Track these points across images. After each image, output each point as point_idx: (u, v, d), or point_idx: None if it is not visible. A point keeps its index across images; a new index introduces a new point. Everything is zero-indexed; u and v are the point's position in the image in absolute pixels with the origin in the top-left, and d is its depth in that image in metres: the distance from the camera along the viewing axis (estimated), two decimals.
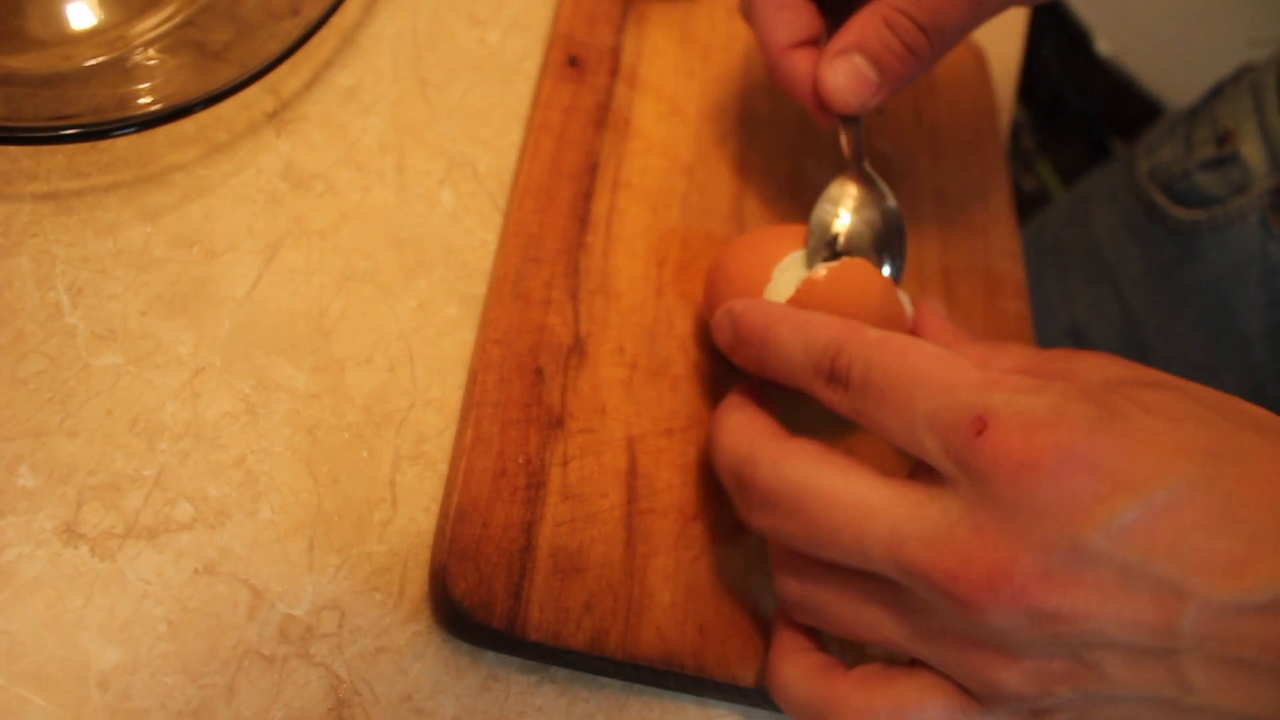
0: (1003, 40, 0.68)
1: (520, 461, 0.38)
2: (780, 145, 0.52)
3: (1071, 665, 0.29)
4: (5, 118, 0.37)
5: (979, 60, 0.63)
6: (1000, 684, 0.30)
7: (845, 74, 0.41)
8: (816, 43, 0.43)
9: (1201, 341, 0.73)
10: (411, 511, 0.38)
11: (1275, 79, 0.71)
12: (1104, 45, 1.21)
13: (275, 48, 0.42)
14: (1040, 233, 0.93)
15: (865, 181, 0.43)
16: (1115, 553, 0.28)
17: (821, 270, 0.39)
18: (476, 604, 0.35)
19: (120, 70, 0.42)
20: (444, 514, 0.37)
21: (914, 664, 0.33)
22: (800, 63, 0.42)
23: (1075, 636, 0.28)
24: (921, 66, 0.41)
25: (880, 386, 0.32)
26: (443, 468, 0.39)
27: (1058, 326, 0.85)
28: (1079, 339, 0.83)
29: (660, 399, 0.42)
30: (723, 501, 0.41)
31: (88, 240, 0.39)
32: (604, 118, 0.48)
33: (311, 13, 0.43)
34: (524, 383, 0.40)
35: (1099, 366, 0.35)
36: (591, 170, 0.46)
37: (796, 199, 0.50)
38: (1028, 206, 1.03)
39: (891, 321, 0.39)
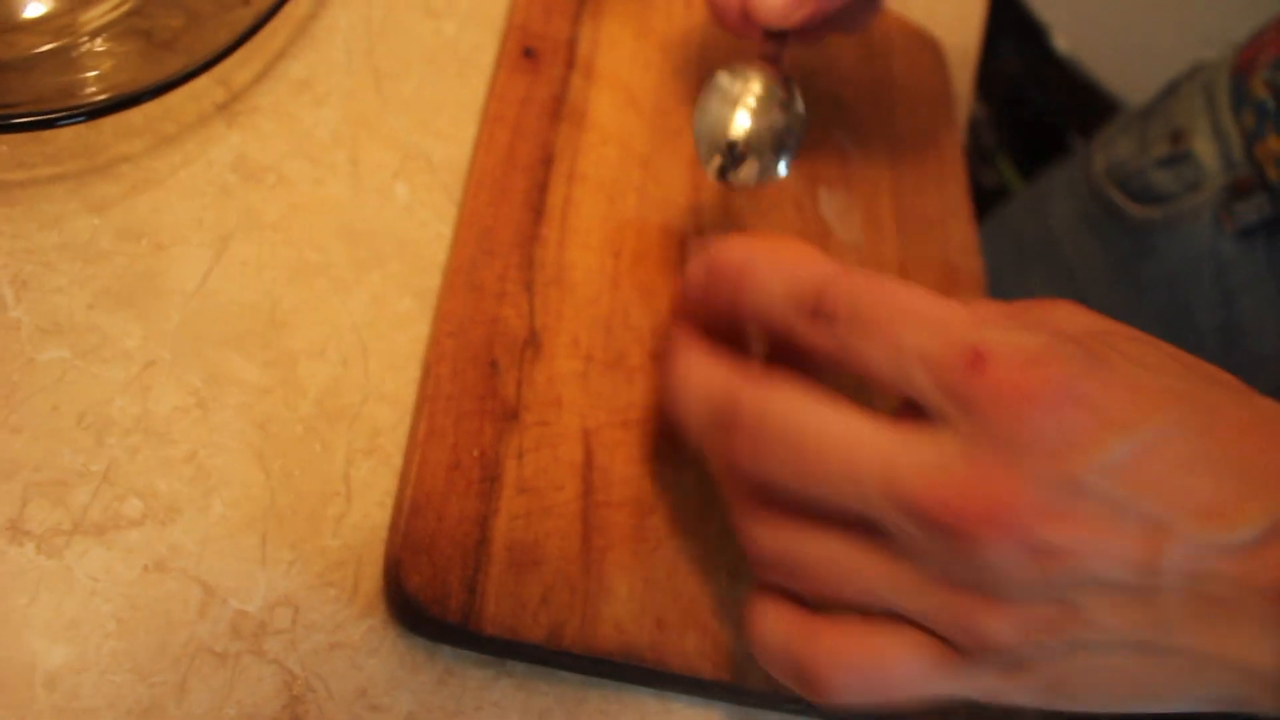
0: (960, 30, 0.68)
1: (475, 455, 0.38)
2: None
3: (1057, 610, 0.29)
4: None
5: (936, 52, 0.64)
6: (986, 633, 0.29)
7: None
8: None
9: (1158, 336, 0.74)
10: (366, 506, 0.38)
11: (1228, 78, 0.71)
12: (1062, 42, 1.22)
13: (226, 37, 0.41)
14: (1000, 228, 0.94)
15: (777, 80, 0.42)
16: (1106, 489, 0.28)
17: None
18: (431, 598, 0.35)
19: (65, 59, 0.41)
20: (398, 508, 0.37)
21: (894, 618, 0.32)
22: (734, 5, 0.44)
23: (1065, 574, 0.28)
24: None
25: (869, 321, 0.31)
26: (397, 461, 0.39)
27: None
28: None
29: (616, 391, 0.42)
30: (681, 493, 0.41)
31: (31, 233, 0.38)
32: (559, 109, 0.48)
33: (263, 2, 0.43)
34: (478, 375, 0.39)
35: (1070, 316, 0.34)
36: (546, 162, 0.46)
37: (752, 190, 0.50)
38: (988, 202, 1.03)
39: None
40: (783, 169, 0.41)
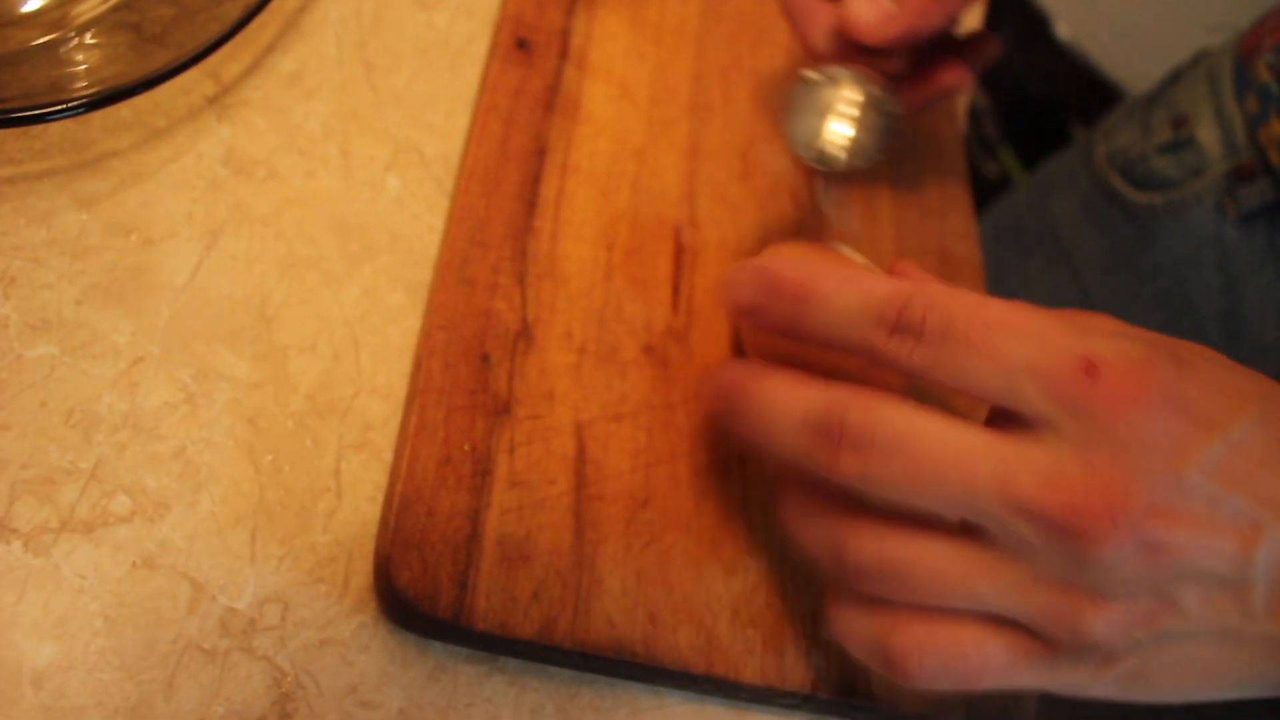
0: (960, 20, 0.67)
1: (466, 449, 0.38)
2: (732, 128, 0.51)
3: (1154, 604, 0.30)
4: None
5: None
6: (1086, 631, 0.30)
7: (867, 5, 0.43)
8: None
9: (1158, 324, 0.73)
10: (357, 501, 0.38)
11: (1230, 64, 0.71)
12: (1063, 30, 1.21)
13: (215, 30, 0.41)
14: (1002, 218, 0.93)
15: (874, 82, 0.43)
16: (1206, 487, 0.29)
17: None
18: (421, 594, 0.35)
19: (54, 53, 0.41)
20: (388, 503, 0.36)
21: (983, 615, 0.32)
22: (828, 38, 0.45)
23: (1169, 569, 0.29)
24: (939, 6, 0.43)
25: (965, 335, 0.31)
26: (388, 456, 0.39)
27: None
28: None
29: (609, 384, 0.41)
30: (674, 487, 0.40)
31: (20, 228, 0.38)
32: (553, 101, 0.47)
33: None
34: (470, 369, 0.39)
35: (1112, 324, 0.35)
36: (540, 154, 0.45)
37: (747, 182, 0.50)
38: (990, 193, 1.03)
39: None
40: (878, 155, 0.42)
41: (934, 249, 0.53)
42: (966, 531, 0.31)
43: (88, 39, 0.41)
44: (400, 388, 0.40)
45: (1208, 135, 0.71)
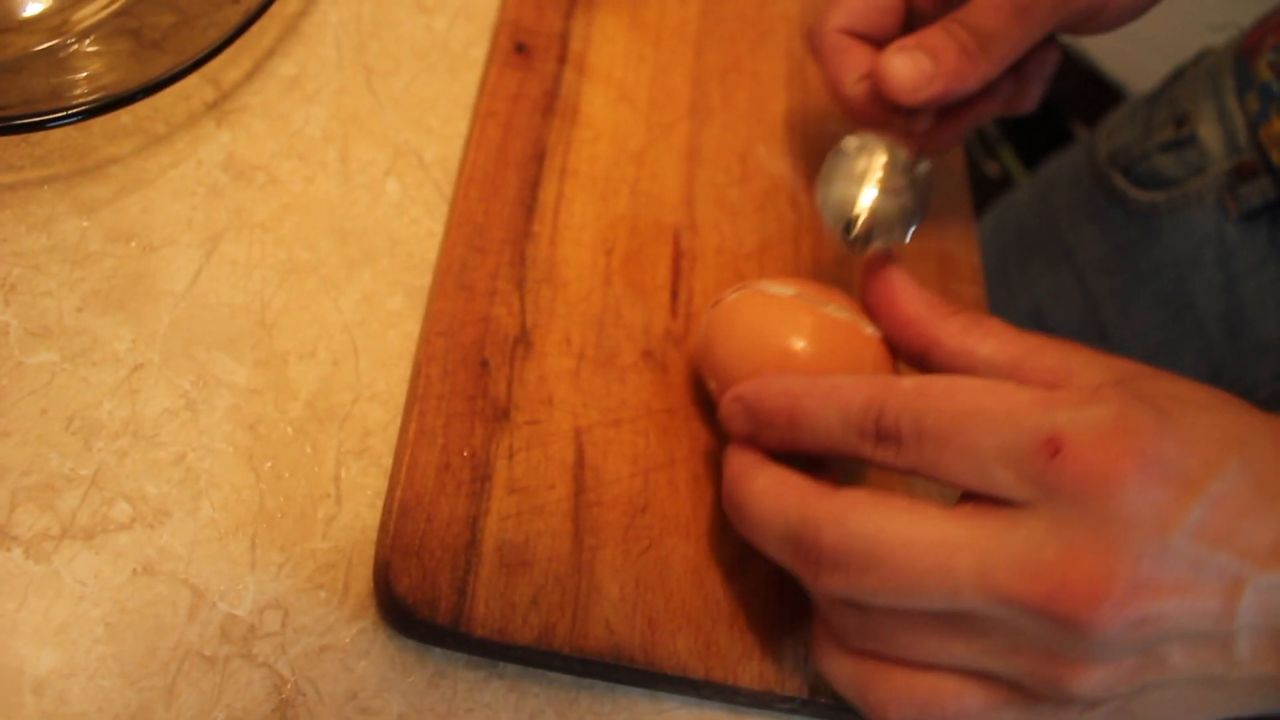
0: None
1: (465, 455, 0.38)
2: (731, 132, 0.51)
3: (1139, 661, 0.30)
4: None
5: None
6: (1070, 691, 0.30)
7: (904, 61, 0.43)
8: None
9: (1160, 323, 0.73)
10: (356, 507, 0.38)
11: (1232, 63, 0.71)
12: None
13: (215, 35, 0.41)
14: (1003, 217, 0.93)
15: (904, 149, 0.42)
16: (1190, 550, 0.29)
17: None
18: (420, 600, 0.35)
19: (54, 60, 0.41)
20: (387, 509, 0.37)
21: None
22: (859, 89, 0.45)
23: (1154, 635, 0.29)
24: (975, 70, 0.43)
25: (936, 433, 0.31)
26: (388, 462, 0.39)
27: (1020, 309, 0.86)
28: (1040, 322, 0.83)
29: (608, 389, 0.41)
30: (673, 492, 0.40)
31: (20, 235, 0.38)
32: (552, 105, 0.47)
33: (252, 0, 0.42)
34: (469, 375, 0.39)
35: (1091, 361, 0.35)
36: (539, 158, 0.46)
37: (747, 185, 0.50)
38: (992, 192, 1.02)
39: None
40: (908, 237, 0.41)
41: (933, 251, 0.53)
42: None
43: (88, 45, 0.42)
44: (399, 393, 0.40)
45: (1209, 133, 0.71)
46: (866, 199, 0.41)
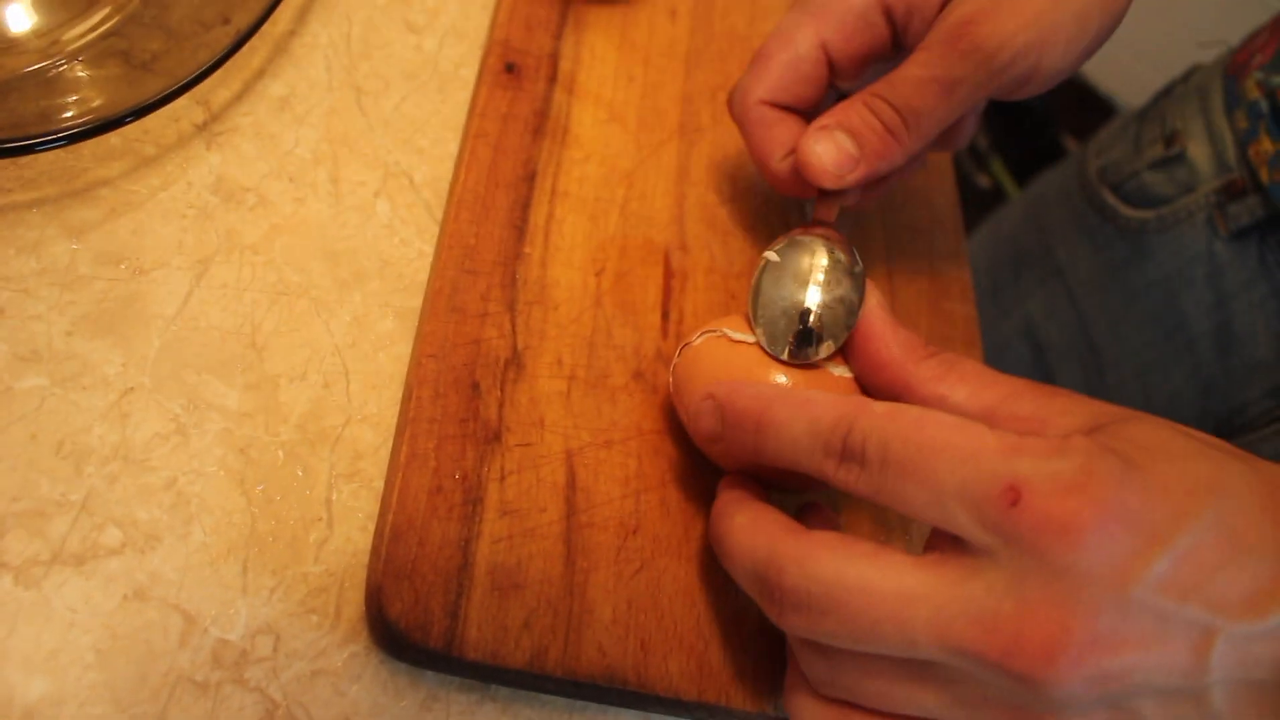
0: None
1: (456, 477, 0.38)
2: (721, 151, 0.52)
3: (1111, 716, 0.30)
4: None
5: None
6: None
7: (826, 147, 0.42)
8: None
9: (1150, 341, 0.74)
10: (348, 530, 0.38)
11: (1220, 81, 0.71)
12: None
13: (205, 57, 0.41)
14: (994, 234, 0.93)
15: (839, 246, 0.41)
16: (1154, 603, 0.28)
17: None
18: (413, 624, 0.35)
19: (43, 82, 0.41)
20: (379, 533, 0.36)
21: None
22: (785, 165, 0.45)
23: (1121, 690, 0.29)
24: (900, 148, 0.42)
25: (900, 461, 0.31)
26: (379, 485, 0.39)
27: (1012, 326, 0.86)
28: (1033, 339, 0.83)
29: (599, 410, 0.41)
30: (665, 514, 0.40)
31: (9, 259, 0.38)
32: (542, 125, 0.47)
33: (242, 21, 0.42)
34: (460, 397, 0.39)
35: (1067, 409, 0.34)
36: (529, 179, 0.46)
37: (737, 204, 0.50)
38: (983, 205, 1.03)
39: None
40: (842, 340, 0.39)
41: (924, 268, 0.54)
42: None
43: (77, 67, 0.42)
44: (391, 416, 0.40)
45: (1198, 151, 0.71)
46: (812, 300, 0.39)
